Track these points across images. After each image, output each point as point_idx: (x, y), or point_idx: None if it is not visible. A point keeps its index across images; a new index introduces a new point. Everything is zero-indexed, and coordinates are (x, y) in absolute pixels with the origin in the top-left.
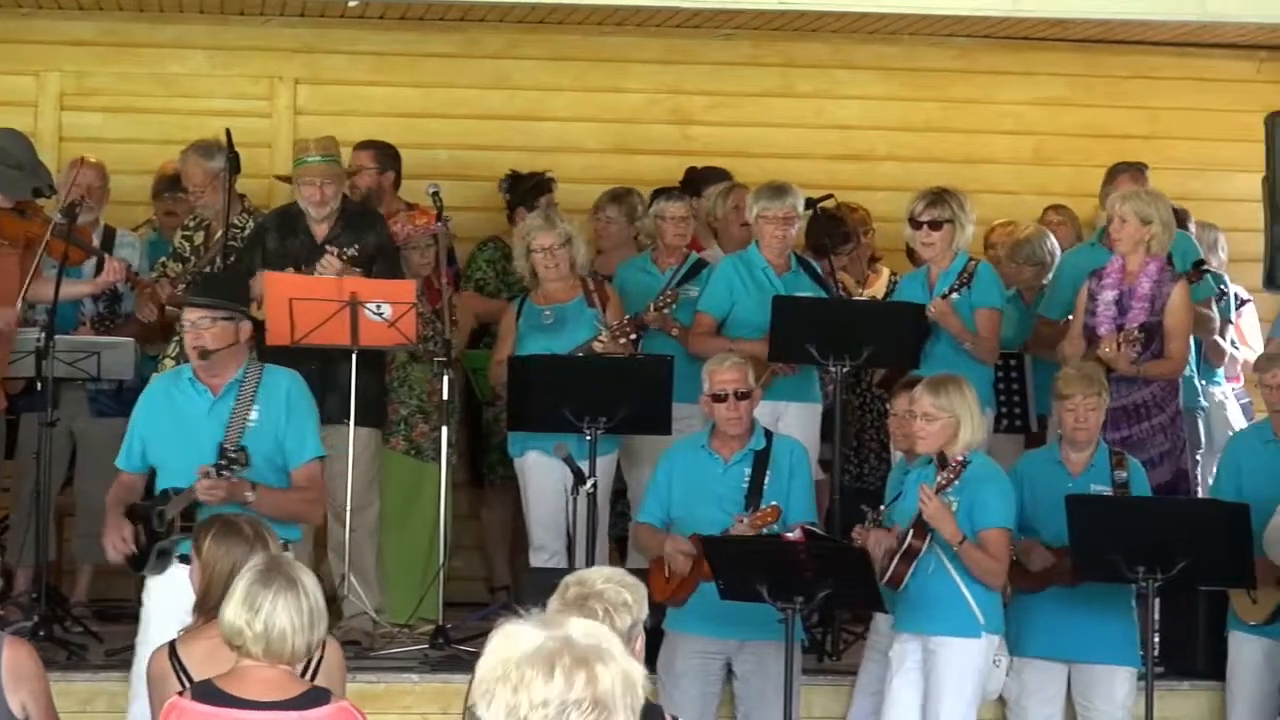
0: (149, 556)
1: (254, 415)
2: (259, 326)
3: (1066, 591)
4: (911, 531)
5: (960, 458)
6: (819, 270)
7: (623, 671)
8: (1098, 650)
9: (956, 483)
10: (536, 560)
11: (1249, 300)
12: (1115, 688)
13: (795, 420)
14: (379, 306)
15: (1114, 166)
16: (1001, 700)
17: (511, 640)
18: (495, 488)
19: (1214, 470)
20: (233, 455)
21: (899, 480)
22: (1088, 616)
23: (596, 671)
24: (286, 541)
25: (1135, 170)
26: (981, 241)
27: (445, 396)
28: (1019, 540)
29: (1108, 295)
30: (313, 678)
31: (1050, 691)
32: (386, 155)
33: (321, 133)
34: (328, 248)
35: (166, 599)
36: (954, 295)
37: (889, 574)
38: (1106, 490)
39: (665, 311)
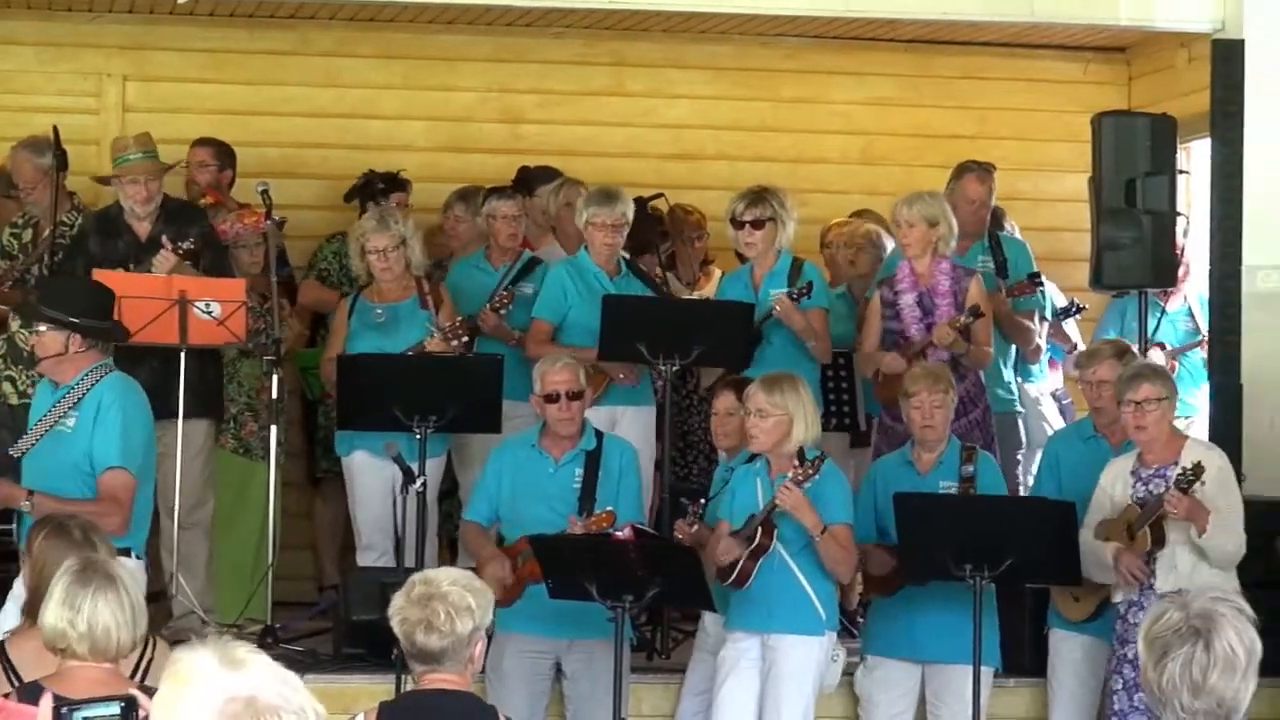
0: None
1: (70, 422)
2: None
3: (920, 592)
4: (760, 529)
5: (817, 454)
6: (648, 273)
7: None
8: (950, 650)
9: (816, 477)
10: (364, 559)
11: (1084, 309)
12: (968, 687)
13: (631, 424)
14: (208, 305)
15: (960, 166)
16: (855, 697)
17: (193, 691)
18: (327, 486)
19: (1034, 469)
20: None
21: (722, 478)
22: (940, 617)
23: None
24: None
25: (982, 170)
26: (817, 241)
27: (274, 395)
28: (864, 545)
29: (908, 299)
30: (142, 678)
31: (903, 690)
32: (225, 153)
33: (149, 130)
34: (164, 240)
35: None
36: (799, 299)
37: (736, 573)
38: (954, 486)
39: (501, 313)
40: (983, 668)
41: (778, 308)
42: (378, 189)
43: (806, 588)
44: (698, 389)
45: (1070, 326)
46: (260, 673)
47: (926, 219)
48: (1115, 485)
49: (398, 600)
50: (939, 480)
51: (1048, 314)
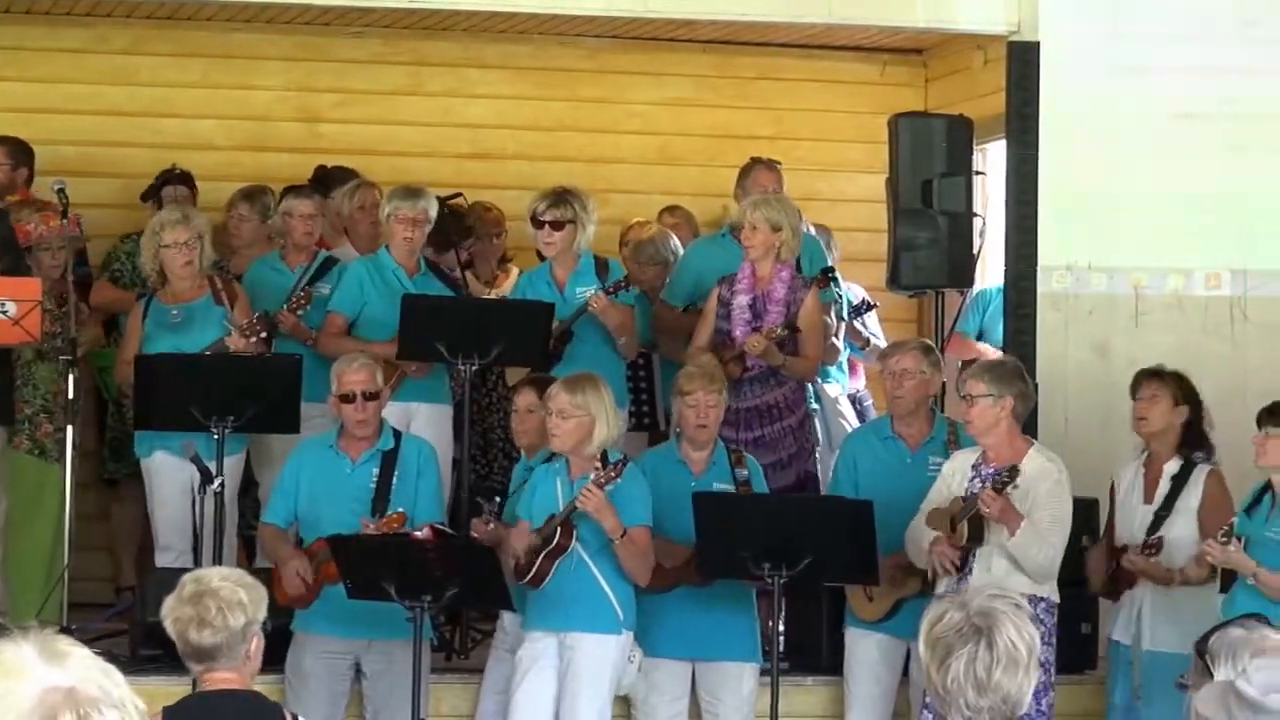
0: None
1: None
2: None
3: (692, 591)
4: (559, 530)
5: (620, 456)
6: (447, 273)
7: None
8: (722, 648)
9: (618, 480)
10: (163, 560)
11: (875, 306)
12: (741, 685)
13: (426, 421)
14: (3, 304)
15: (749, 162)
16: (628, 699)
17: (13, 684)
18: (124, 487)
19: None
20: None
21: (521, 476)
22: (712, 615)
23: None
24: None
25: (769, 165)
26: (616, 241)
27: (70, 395)
28: (656, 539)
29: (742, 300)
30: None
31: (677, 690)
32: (19, 150)
33: None
34: None
35: None
36: (616, 292)
37: (533, 572)
38: (730, 488)
39: (299, 314)
40: (749, 665)
41: (594, 305)
42: (175, 188)
43: (605, 588)
44: (498, 387)
45: (872, 323)
46: (81, 665)
47: (770, 223)
48: (955, 476)
49: (170, 601)
50: (714, 481)
51: (845, 313)
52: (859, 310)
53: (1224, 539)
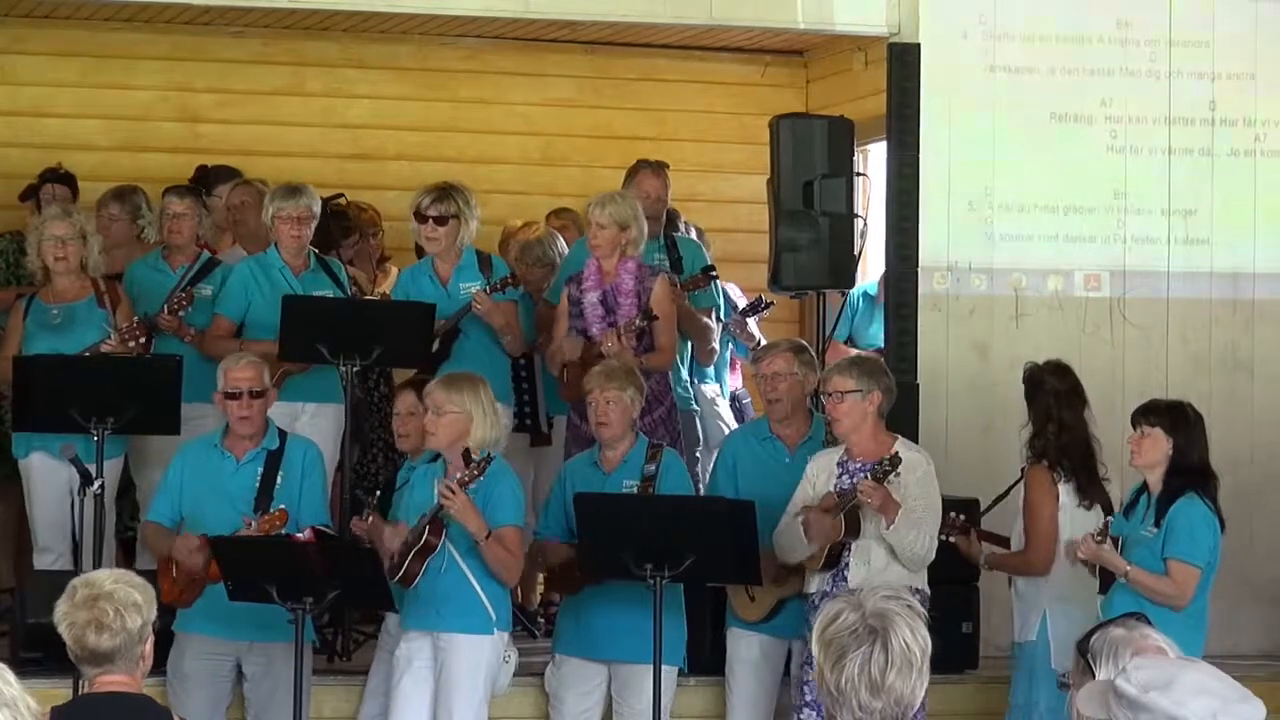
0: None
1: None
2: None
3: (604, 591)
4: (428, 528)
5: (484, 454)
6: (338, 269)
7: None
8: (633, 649)
9: (481, 479)
10: (41, 563)
11: (772, 305)
12: (649, 686)
13: (314, 420)
14: None
15: (635, 164)
16: (546, 696)
17: None
18: None
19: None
20: None
21: (404, 476)
22: (626, 616)
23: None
24: None
25: (656, 167)
26: (497, 243)
27: None
28: (547, 542)
29: (592, 296)
30: None
31: (590, 687)
32: None
33: None
34: None
35: None
36: (502, 289)
37: (402, 571)
38: (635, 485)
39: (180, 314)
40: (666, 666)
41: (478, 305)
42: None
43: (476, 587)
44: (379, 387)
45: (753, 325)
46: None
47: (618, 221)
48: (820, 476)
49: (62, 606)
50: (623, 479)
51: (724, 314)
52: (755, 309)
53: (1099, 538)
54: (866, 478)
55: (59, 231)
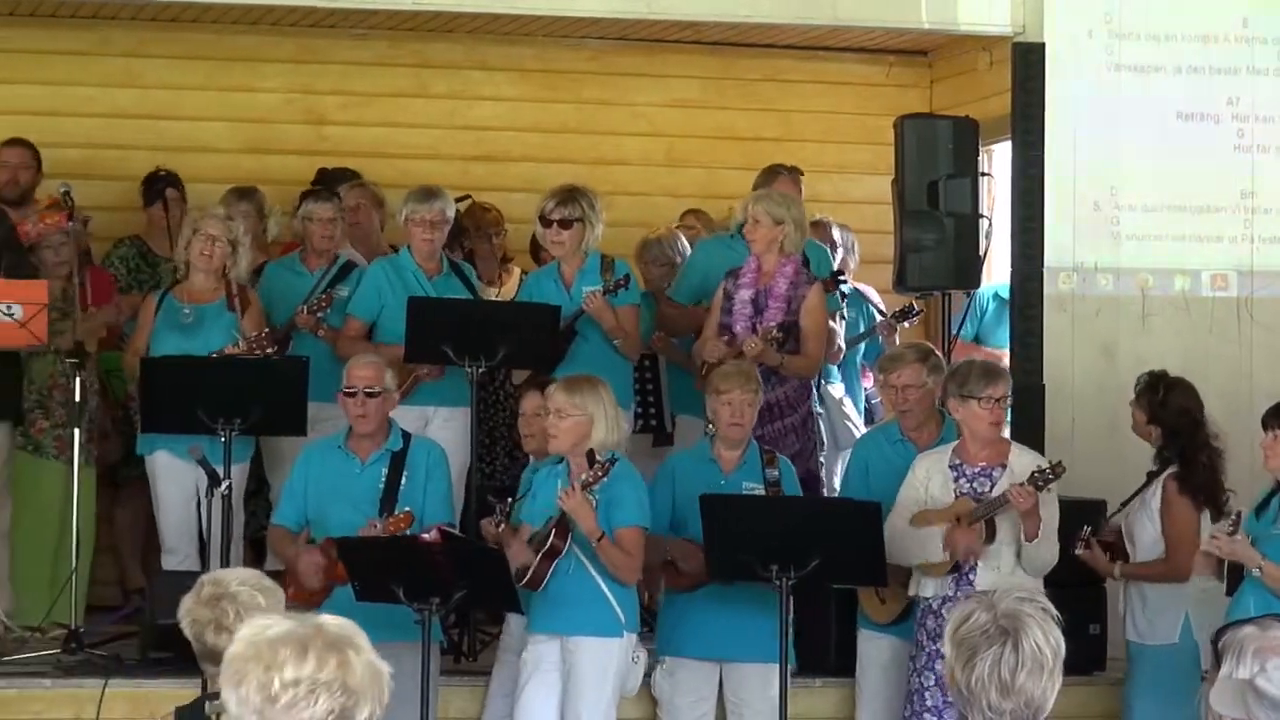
0: None
1: None
2: None
3: (718, 590)
4: (553, 532)
5: (609, 456)
6: (470, 274)
7: (371, 663)
8: (749, 648)
9: (605, 480)
10: (169, 563)
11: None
12: (767, 685)
13: (444, 424)
14: (9, 307)
15: (771, 168)
16: (653, 700)
17: (261, 627)
18: (127, 488)
19: (839, 468)
20: None
21: (529, 479)
22: (740, 615)
23: (348, 657)
24: None
25: (791, 172)
26: (620, 243)
27: (78, 397)
28: (673, 540)
29: (744, 294)
30: None
31: (703, 691)
32: (37, 153)
33: None
34: None
35: None
36: (616, 290)
37: (529, 574)
38: (759, 488)
39: (319, 315)
40: (777, 665)
41: (589, 305)
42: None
43: (604, 589)
44: (504, 387)
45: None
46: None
47: (772, 217)
48: (932, 479)
49: (187, 601)
50: (743, 481)
51: (863, 318)
52: (905, 315)
53: (1231, 530)
54: (1024, 485)
55: (214, 231)
